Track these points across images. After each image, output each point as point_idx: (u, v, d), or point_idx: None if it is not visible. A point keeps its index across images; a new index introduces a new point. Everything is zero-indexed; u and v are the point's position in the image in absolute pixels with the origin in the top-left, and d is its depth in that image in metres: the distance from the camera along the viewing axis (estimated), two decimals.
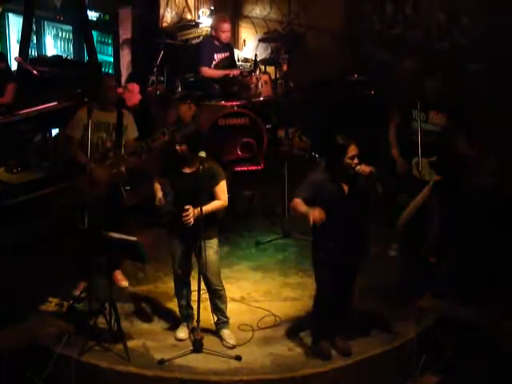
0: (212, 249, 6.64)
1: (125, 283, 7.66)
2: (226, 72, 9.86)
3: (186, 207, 6.45)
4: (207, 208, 6.50)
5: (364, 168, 6.33)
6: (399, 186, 7.88)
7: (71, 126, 7.42)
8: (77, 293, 7.31)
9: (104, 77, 7.34)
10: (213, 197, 6.58)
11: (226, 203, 6.68)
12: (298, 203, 6.41)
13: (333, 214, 6.38)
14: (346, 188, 6.45)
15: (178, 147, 6.53)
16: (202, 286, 6.67)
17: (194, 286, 6.80)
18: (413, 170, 7.73)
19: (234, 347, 6.73)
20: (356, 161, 6.36)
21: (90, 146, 7.08)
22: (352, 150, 6.35)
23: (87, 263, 7.21)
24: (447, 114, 7.69)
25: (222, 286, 6.83)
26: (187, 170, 6.63)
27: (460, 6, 9.69)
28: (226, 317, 6.88)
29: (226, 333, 6.84)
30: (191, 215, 6.45)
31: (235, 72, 9.86)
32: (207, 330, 6.84)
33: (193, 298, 6.88)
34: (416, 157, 7.64)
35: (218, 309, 6.84)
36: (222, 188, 6.63)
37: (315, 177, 6.56)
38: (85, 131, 7.18)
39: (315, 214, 6.24)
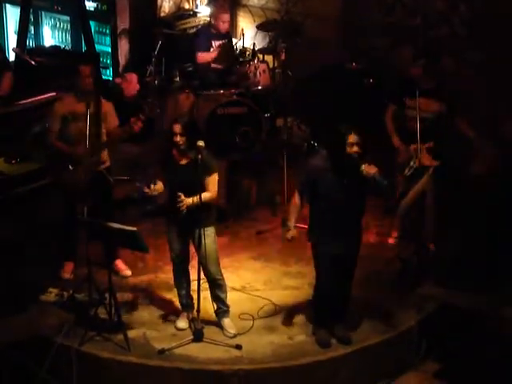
0: (209, 237, 6.62)
1: (128, 272, 7.68)
2: (221, 52, 9.85)
3: (179, 194, 6.47)
4: (196, 199, 6.48)
5: (368, 169, 6.26)
6: (400, 172, 7.87)
7: (49, 119, 7.44)
8: (66, 275, 7.39)
9: (79, 66, 7.24)
10: (204, 188, 6.57)
11: (215, 195, 6.66)
12: (294, 205, 6.59)
13: (332, 203, 6.38)
14: (345, 177, 6.42)
15: (177, 139, 6.52)
16: (202, 275, 6.67)
17: (193, 276, 6.80)
18: (413, 157, 7.73)
19: (234, 336, 6.73)
20: (355, 148, 6.30)
21: (69, 136, 7.21)
22: (351, 138, 6.32)
23: (74, 243, 7.31)
24: (438, 100, 7.68)
25: (221, 275, 6.82)
26: (183, 161, 6.63)
27: None
28: (227, 306, 6.88)
29: (226, 322, 6.84)
30: (184, 202, 6.47)
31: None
32: (207, 320, 6.84)
33: (193, 287, 6.88)
34: (413, 144, 7.64)
35: (217, 298, 6.84)
36: (213, 180, 6.62)
37: (315, 164, 6.54)
38: (63, 123, 7.23)
39: (288, 237, 6.55)
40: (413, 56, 8.10)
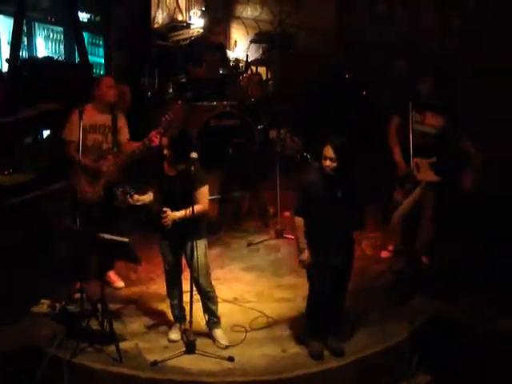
0: (200, 250, 6.61)
1: (120, 283, 7.67)
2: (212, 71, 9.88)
3: (164, 209, 6.50)
4: (183, 213, 6.51)
5: (302, 257, 6.52)
6: (401, 186, 7.85)
7: (67, 130, 7.35)
8: (77, 296, 7.31)
9: (102, 77, 7.25)
10: (194, 201, 6.55)
11: (206, 208, 6.64)
12: (299, 228, 6.53)
13: (326, 215, 6.40)
14: (337, 189, 6.43)
15: (165, 151, 6.54)
16: (194, 286, 6.67)
17: (186, 287, 6.79)
18: (413, 172, 7.71)
19: (226, 347, 6.72)
20: (328, 163, 6.32)
21: (86, 147, 7.13)
22: (326, 151, 6.35)
23: (81, 264, 7.21)
24: (444, 116, 7.66)
25: (212, 287, 6.81)
26: (171, 173, 6.63)
27: (452, 6, 9.69)
28: (217, 317, 6.87)
29: (218, 333, 6.83)
30: (169, 217, 6.50)
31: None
32: (200, 331, 6.82)
33: (185, 298, 6.86)
34: (415, 158, 7.61)
35: (208, 309, 6.84)
36: (204, 193, 6.60)
37: (307, 179, 6.56)
38: (81, 133, 7.14)
39: (303, 259, 6.51)
40: (420, 71, 8.05)
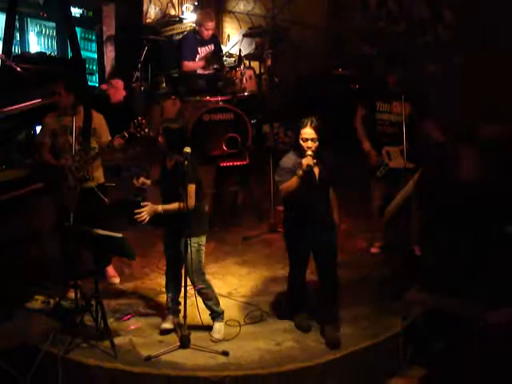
0: (192, 247, 6.60)
1: (115, 279, 7.69)
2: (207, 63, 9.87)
3: (142, 204, 6.54)
4: (165, 207, 6.54)
5: (304, 161, 6.43)
6: (372, 175, 7.95)
7: (40, 132, 7.52)
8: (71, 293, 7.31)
9: (53, 82, 7.31)
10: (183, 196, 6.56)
11: (191, 205, 6.53)
12: (285, 184, 6.55)
13: (306, 196, 6.55)
14: (316, 170, 6.56)
15: (159, 139, 6.59)
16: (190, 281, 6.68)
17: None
18: (384, 160, 7.83)
19: (217, 341, 6.73)
20: (309, 144, 6.44)
21: (71, 149, 7.15)
22: (305, 134, 6.45)
23: (74, 260, 7.20)
24: (410, 104, 7.68)
25: (205, 284, 6.78)
26: (169, 166, 6.65)
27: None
28: (215, 311, 6.88)
29: (215, 325, 6.86)
30: (143, 213, 6.50)
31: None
32: (194, 326, 6.82)
33: (182, 293, 6.86)
34: (385, 146, 7.78)
35: (206, 305, 6.86)
36: (190, 190, 6.55)
37: (286, 161, 6.65)
38: (53, 136, 7.28)
39: (305, 162, 6.40)
40: (389, 62, 8.07)
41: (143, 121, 6.88)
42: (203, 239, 6.76)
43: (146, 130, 6.87)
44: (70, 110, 7.28)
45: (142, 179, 6.82)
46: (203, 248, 6.76)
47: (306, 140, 6.46)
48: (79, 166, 7.19)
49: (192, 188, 6.56)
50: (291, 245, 6.85)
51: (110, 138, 7.32)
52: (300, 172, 6.42)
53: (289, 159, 6.64)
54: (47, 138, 7.35)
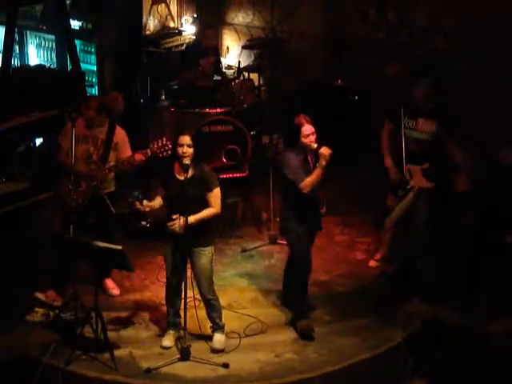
0: (206, 257, 6.62)
1: (115, 291, 7.67)
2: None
3: (173, 217, 6.47)
4: (196, 217, 6.49)
5: (324, 150, 6.61)
6: (393, 193, 7.84)
7: (61, 134, 7.51)
8: (41, 297, 7.34)
9: (87, 98, 7.38)
10: (205, 204, 6.57)
11: (219, 211, 6.64)
12: (308, 179, 6.73)
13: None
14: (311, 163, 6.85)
15: (184, 150, 6.49)
16: (190, 294, 6.66)
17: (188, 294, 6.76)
18: (406, 178, 7.68)
19: (218, 351, 6.72)
20: (312, 138, 6.71)
21: (73, 157, 7.09)
22: (306, 130, 6.72)
23: (63, 271, 7.24)
24: (436, 121, 7.61)
25: (214, 295, 6.80)
26: (182, 177, 6.60)
27: (443, 10, 9.71)
28: (217, 324, 6.87)
29: (216, 336, 6.84)
30: (176, 225, 6.46)
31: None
32: (194, 338, 6.82)
33: (183, 306, 6.85)
34: (408, 164, 7.63)
35: (209, 316, 6.86)
36: (215, 195, 6.59)
37: (294, 159, 6.81)
38: (75, 142, 7.19)
39: (326, 152, 6.61)
40: (413, 75, 8.02)
41: (167, 142, 6.81)
42: (213, 248, 6.78)
43: (169, 153, 6.79)
44: (97, 121, 7.36)
45: (145, 202, 6.63)
46: (214, 257, 6.78)
47: (308, 135, 6.72)
48: (93, 174, 7.21)
49: (218, 191, 6.60)
50: (296, 240, 6.96)
51: (130, 153, 7.32)
52: (323, 162, 6.60)
53: (294, 158, 6.81)
54: (67, 141, 7.25)
